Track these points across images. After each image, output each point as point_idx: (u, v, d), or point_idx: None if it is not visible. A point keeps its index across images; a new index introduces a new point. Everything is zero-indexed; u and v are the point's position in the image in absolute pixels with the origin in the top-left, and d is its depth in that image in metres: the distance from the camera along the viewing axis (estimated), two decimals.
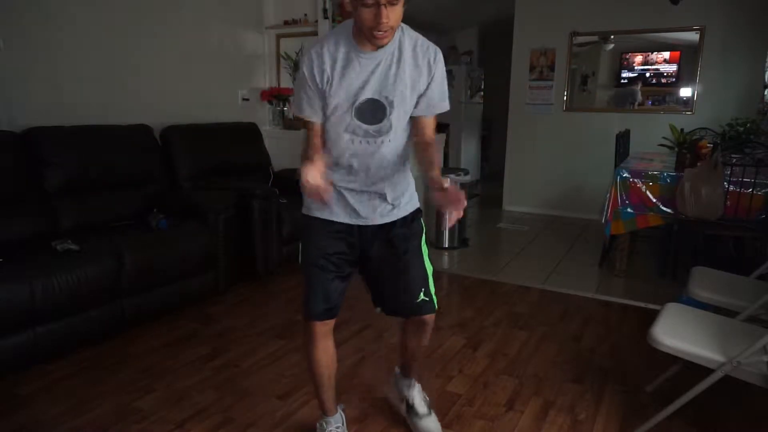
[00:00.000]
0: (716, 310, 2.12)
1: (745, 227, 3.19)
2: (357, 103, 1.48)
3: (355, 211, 1.62)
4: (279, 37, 4.60)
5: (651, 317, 1.93)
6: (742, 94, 4.78)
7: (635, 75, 5.31)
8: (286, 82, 4.61)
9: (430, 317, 1.72)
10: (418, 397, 1.93)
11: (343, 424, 1.85)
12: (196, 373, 2.33)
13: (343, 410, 1.90)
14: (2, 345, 2.13)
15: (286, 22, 4.48)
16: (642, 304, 3.15)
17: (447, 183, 1.45)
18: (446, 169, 4.67)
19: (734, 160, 3.29)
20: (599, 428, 1.97)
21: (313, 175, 1.33)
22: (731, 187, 3.15)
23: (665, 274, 3.67)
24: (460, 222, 4.41)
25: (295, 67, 4.44)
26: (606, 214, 3.62)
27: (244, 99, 4.44)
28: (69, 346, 2.43)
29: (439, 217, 4.34)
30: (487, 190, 7.12)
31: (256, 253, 3.34)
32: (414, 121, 1.57)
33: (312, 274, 1.63)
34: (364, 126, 1.50)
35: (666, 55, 5.15)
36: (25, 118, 2.91)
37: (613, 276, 3.72)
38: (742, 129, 4.20)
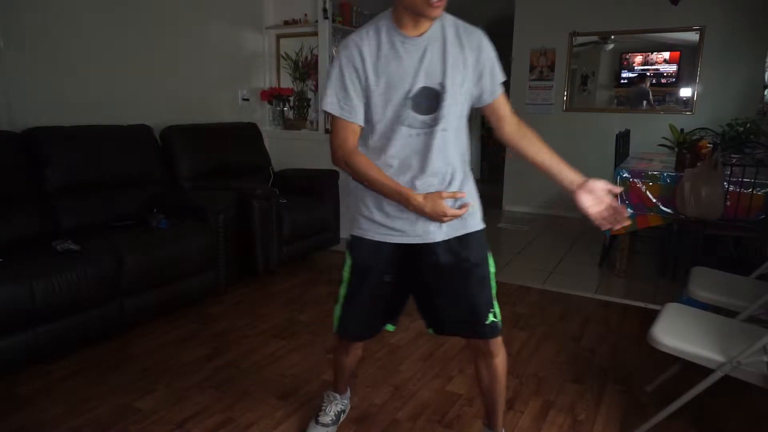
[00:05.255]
0: (716, 310, 2.12)
1: (745, 227, 3.19)
2: (412, 93, 1.39)
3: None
4: (279, 37, 4.60)
5: (651, 317, 1.94)
6: (742, 94, 4.78)
7: (635, 75, 5.31)
8: (285, 82, 4.61)
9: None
10: None
11: (348, 401, 2.00)
12: (196, 373, 2.33)
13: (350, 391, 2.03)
14: (2, 345, 2.13)
15: (286, 22, 4.48)
16: (642, 304, 3.15)
17: (600, 187, 1.56)
18: None
19: (734, 160, 3.30)
20: (599, 428, 1.97)
21: (443, 207, 1.40)
22: (731, 187, 3.15)
23: (665, 274, 3.67)
24: None
25: (295, 66, 4.45)
26: None
27: (244, 99, 4.44)
28: (69, 346, 2.43)
29: None
30: (487, 190, 7.08)
31: (256, 253, 3.34)
32: (489, 110, 1.52)
33: None
34: (420, 117, 1.41)
35: (666, 55, 5.15)
36: (25, 118, 2.91)
37: (613, 276, 3.72)
38: (742, 129, 4.21)
